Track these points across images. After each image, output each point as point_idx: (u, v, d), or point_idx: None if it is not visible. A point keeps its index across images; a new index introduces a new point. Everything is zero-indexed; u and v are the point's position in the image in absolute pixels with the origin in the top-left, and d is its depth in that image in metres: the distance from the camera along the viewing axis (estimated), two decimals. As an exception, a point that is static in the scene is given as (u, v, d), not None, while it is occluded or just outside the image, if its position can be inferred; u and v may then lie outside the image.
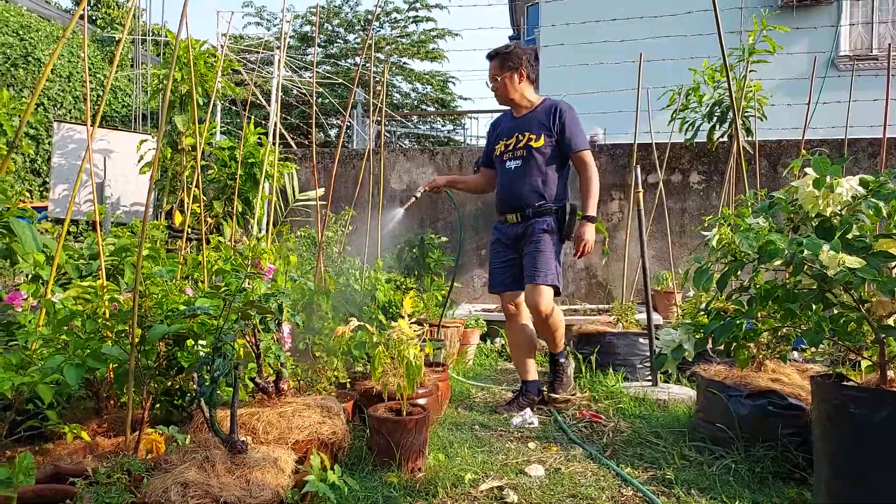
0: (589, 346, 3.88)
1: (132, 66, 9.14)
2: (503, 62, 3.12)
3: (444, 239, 5.32)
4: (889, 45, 2.29)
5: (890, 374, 1.60)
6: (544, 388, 3.25)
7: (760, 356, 2.60)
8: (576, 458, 2.48)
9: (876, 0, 7.03)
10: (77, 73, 7.82)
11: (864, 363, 1.68)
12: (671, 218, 5.47)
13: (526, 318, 3.21)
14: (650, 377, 3.62)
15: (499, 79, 3.12)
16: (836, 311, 1.74)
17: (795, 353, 3.58)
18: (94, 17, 14.81)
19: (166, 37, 9.93)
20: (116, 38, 11.46)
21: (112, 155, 4.89)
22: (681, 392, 3.34)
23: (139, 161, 4.57)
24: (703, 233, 1.84)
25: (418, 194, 3.06)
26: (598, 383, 3.53)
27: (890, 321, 1.61)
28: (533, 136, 3.07)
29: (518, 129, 3.14)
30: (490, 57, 3.19)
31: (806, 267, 1.67)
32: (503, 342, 4.90)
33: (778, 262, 1.68)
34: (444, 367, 3.27)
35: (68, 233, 5.35)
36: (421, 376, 2.31)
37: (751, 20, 4.61)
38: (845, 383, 1.63)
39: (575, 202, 3.11)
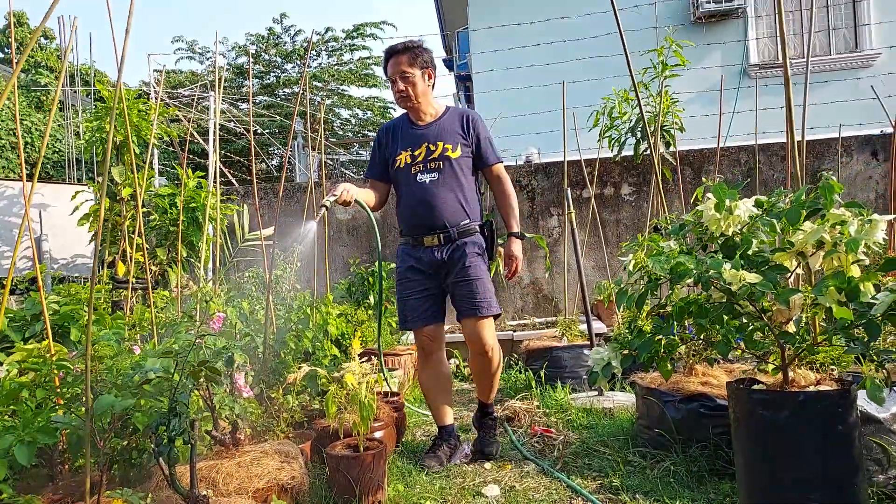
0: (538, 362, 4.04)
1: (62, 108, 8.91)
2: (415, 57, 2.72)
3: (393, 265, 5.41)
4: (784, 55, 2.56)
5: (792, 374, 1.79)
6: (468, 443, 2.96)
7: (691, 361, 2.79)
8: (529, 475, 2.60)
9: (776, 15, 7.56)
10: (1, 121, 7.60)
11: (770, 367, 1.87)
12: (607, 229, 5.73)
13: (444, 355, 2.94)
14: (601, 385, 3.79)
15: (408, 76, 2.71)
16: (744, 321, 1.92)
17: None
18: (15, 60, 14.31)
19: (96, 76, 9.72)
20: (43, 83, 11.15)
21: (48, 208, 4.81)
22: (625, 399, 3.52)
23: (74, 211, 4.50)
24: (620, 259, 2.00)
25: (328, 204, 2.59)
26: (549, 397, 3.68)
27: (788, 327, 1.80)
28: (449, 146, 2.74)
29: (427, 139, 2.77)
30: (398, 51, 2.74)
31: (716, 282, 1.85)
32: (458, 362, 5.01)
33: (689, 281, 1.86)
34: (398, 395, 3.35)
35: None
36: (375, 411, 2.39)
37: (664, 38, 4.91)
38: (754, 387, 1.81)
39: (493, 218, 2.89)
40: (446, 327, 5.33)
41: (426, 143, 2.76)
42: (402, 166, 2.81)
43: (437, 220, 2.71)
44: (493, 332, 2.76)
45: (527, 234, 5.19)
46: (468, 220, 2.74)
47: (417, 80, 2.73)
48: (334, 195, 2.57)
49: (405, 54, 2.72)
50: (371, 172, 2.96)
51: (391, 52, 2.76)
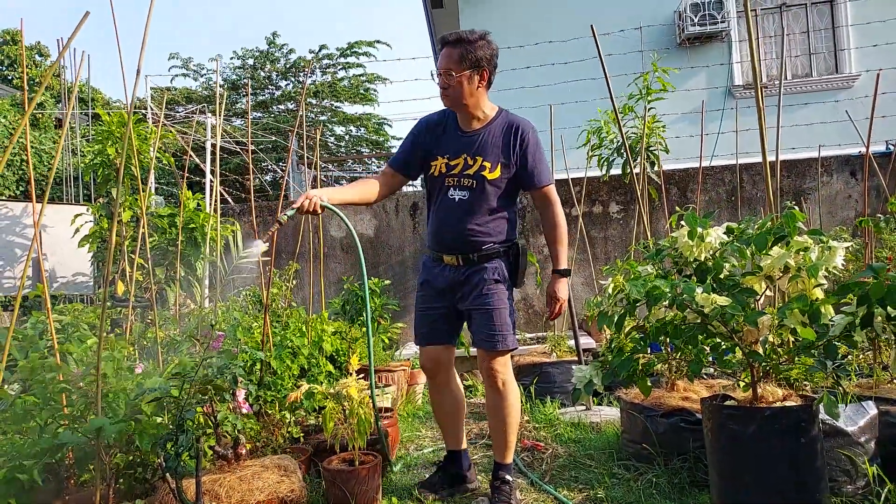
0: (528, 377, 4.15)
1: (58, 126, 9.01)
2: (465, 54, 2.36)
3: (386, 282, 5.53)
4: (756, 84, 2.71)
5: (761, 390, 1.91)
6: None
7: (673, 377, 2.92)
8: (519, 487, 2.70)
9: (759, 40, 7.81)
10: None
11: (741, 383, 1.99)
12: (596, 246, 5.87)
13: (453, 378, 2.69)
14: (584, 402, 3.91)
15: (454, 75, 2.36)
16: (717, 341, 2.05)
17: (712, 367, 3.95)
18: (9, 77, 14.44)
19: (91, 95, 9.83)
20: (39, 101, 11.25)
21: (47, 228, 4.90)
22: (612, 413, 3.63)
23: (75, 234, 4.60)
24: (600, 282, 2.12)
25: (283, 219, 2.27)
26: (538, 411, 3.79)
27: (757, 347, 1.92)
28: (488, 165, 2.43)
29: (467, 150, 2.46)
30: (450, 42, 2.39)
31: (689, 304, 1.98)
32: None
33: (665, 303, 1.99)
34: (391, 411, 3.44)
35: (4, 308, 5.27)
36: (371, 426, 2.50)
37: (650, 64, 5.09)
38: (726, 403, 1.94)
39: (523, 241, 2.64)
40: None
41: (465, 155, 2.46)
42: (436, 174, 2.53)
43: (460, 241, 2.47)
44: (507, 367, 2.49)
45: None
46: (492, 244, 2.46)
47: (464, 79, 2.37)
48: (293, 208, 2.26)
49: (457, 48, 2.37)
50: (394, 160, 2.62)
51: (444, 42, 2.43)
